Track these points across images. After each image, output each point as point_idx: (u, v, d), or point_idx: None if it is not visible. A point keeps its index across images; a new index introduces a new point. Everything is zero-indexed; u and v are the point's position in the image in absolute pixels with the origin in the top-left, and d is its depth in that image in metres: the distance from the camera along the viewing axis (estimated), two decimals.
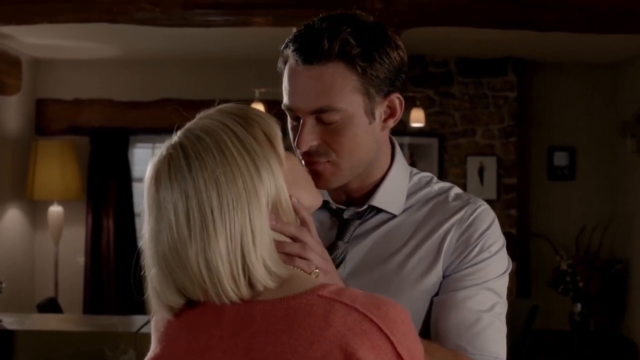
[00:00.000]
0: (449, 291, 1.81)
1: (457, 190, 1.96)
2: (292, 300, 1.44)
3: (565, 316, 7.73)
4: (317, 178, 1.76)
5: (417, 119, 7.01)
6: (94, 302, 8.09)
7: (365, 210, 1.89)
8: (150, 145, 8.49)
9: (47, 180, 7.58)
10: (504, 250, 1.88)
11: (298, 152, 1.76)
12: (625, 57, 7.71)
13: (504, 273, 1.86)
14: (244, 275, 1.44)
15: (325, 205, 1.90)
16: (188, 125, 1.54)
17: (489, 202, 8.34)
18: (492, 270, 1.83)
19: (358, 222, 1.89)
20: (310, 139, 1.75)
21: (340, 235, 1.88)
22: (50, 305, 6.35)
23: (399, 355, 1.37)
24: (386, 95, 1.81)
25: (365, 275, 1.85)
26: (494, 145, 8.10)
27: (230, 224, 1.43)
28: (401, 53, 1.83)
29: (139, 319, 4.87)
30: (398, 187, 1.92)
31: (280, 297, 1.45)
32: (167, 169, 1.49)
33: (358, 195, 1.92)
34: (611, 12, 4.46)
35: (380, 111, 1.81)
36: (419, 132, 7.77)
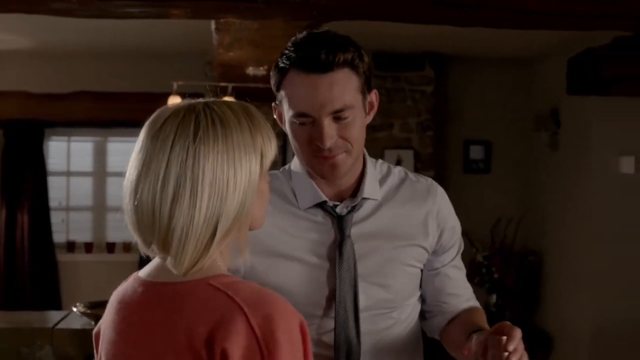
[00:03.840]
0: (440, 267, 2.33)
1: (408, 171, 2.37)
2: (187, 284, 1.54)
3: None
4: (335, 169, 2.09)
5: None
6: (8, 298, 7.95)
7: (358, 202, 2.17)
8: (65, 138, 8.38)
9: None
10: None
11: (308, 148, 2.06)
12: (539, 53, 7.84)
13: None
14: (202, 252, 1.54)
15: (319, 204, 2.15)
16: (211, 101, 1.62)
17: None
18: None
19: (352, 215, 2.16)
20: (331, 135, 2.03)
21: (342, 230, 2.13)
22: None
23: (261, 351, 1.44)
24: (369, 91, 2.18)
25: (373, 259, 2.16)
26: (411, 139, 8.18)
27: (214, 203, 1.52)
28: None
29: (55, 315, 4.81)
30: (374, 176, 2.24)
31: (183, 281, 1.55)
32: (175, 127, 1.55)
33: (347, 189, 2.20)
34: (519, 12, 4.53)
35: (365, 105, 2.16)
36: None
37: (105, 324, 1.68)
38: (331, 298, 2.11)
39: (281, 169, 2.28)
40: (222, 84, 6.43)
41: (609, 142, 7.10)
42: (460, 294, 2.37)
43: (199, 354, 1.47)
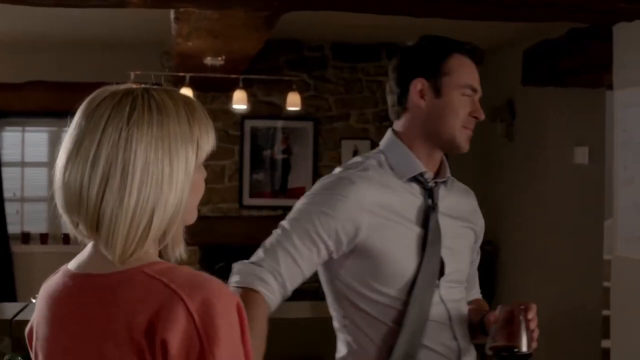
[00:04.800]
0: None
1: None
2: (122, 274, 1.51)
3: None
4: (469, 141, 2.44)
5: (293, 103, 7.04)
6: None
7: (444, 181, 2.47)
8: (20, 128, 8.29)
9: None
10: None
11: (464, 118, 2.42)
12: (495, 44, 7.89)
13: None
14: (137, 241, 1.51)
15: (414, 177, 2.40)
16: (152, 87, 1.58)
17: None
18: None
19: (438, 187, 2.44)
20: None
21: (432, 201, 2.41)
22: None
23: (199, 336, 1.43)
24: None
25: (450, 233, 2.43)
26: (368, 129, 8.21)
27: (147, 190, 1.49)
28: None
29: (13, 307, 4.78)
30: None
31: (116, 271, 1.52)
32: (110, 108, 1.52)
33: (434, 166, 2.48)
34: (475, 3, 4.57)
35: None
36: (294, 115, 7.81)
37: (38, 320, 1.65)
38: (420, 263, 2.34)
39: (366, 154, 2.49)
40: (180, 73, 6.41)
41: (564, 133, 7.18)
42: (476, 284, 2.77)
43: (140, 344, 1.45)
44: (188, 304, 1.44)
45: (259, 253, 2.25)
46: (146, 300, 1.47)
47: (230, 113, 7.60)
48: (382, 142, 2.51)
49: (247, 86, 7.08)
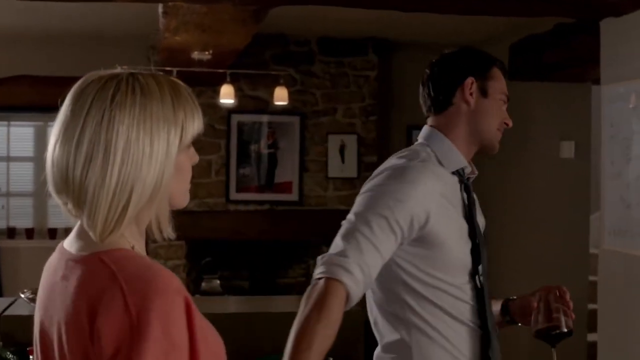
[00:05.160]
0: None
1: None
2: (84, 258, 1.57)
3: None
4: (499, 144, 2.72)
5: (281, 98, 7.04)
6: None
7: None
8: (5, 123, 8.25)
9: None
10: None
11: (500, 123, 2.69)
12: (482, 39, 7.90)
13: None
14: (117, 219, 1.55)
15: (456, 170, 2.57)
16: (138, 72, 1.62)
17: (349, 180, 8.45)
18: None
19: (471, 181, 2.65)
20: None
21: (470, 194, 2.59)
22: None
23: (132, 330, 1.45)
24: None
25: (480, 225, 2.61)
26: (354, 124, 8.21)
27: (127, 169, 1.53)
28: None
29: (1, 302, 4.74)
30: None
31: (84, 255, 1.58)
32: (95, 91, 1.57)
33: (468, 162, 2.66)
34: None
35: None
36: (281, 110, 7.81)
37: (38, 293, 1.71)
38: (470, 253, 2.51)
39: (412, 147, 2.63)
40: (167, 68, 6.40)
41: (550, 128, 7.20)
42: None
43: (85, 329, 1.49)
44: (127, 296, 1.46)
45: (339, 244, 2.29)
46: (92, 286, 1.51)
47: (217, 107, 7.59)
48: (423, 136, 2.66)
49: (233, 81, 7.07)
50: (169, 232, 1.65)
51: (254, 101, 8.01)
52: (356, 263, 2.24)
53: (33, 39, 7.90)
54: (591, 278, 7.27)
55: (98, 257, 1.54)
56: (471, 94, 2.60)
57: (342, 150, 8.09)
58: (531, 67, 6.75)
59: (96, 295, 1.49)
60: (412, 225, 2.36)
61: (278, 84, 7.11)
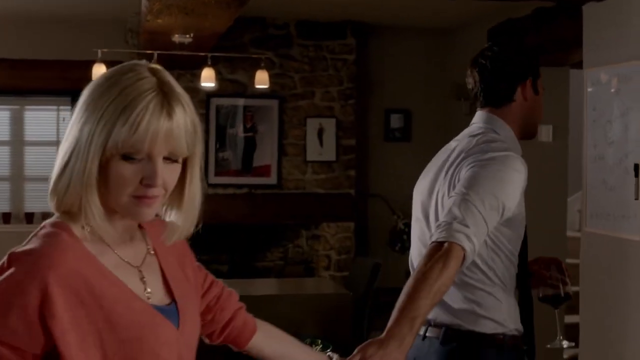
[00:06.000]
0: None
1: None
2: None
3: (402, 274, 7.93)
4: None
5: (262, 81, 7.02)
6: None
7: None
8: None
9: None
10: None
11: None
12: (460, 23, 7.95)
13: None
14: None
15: None
16: (154, 66, 1.68)
17: (327, 163, 8.46)
18: None
19: None
20: None
21: None
22: None
23: None
24: None
25: None
26: (333, 107, 8.22)
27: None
28: None
29: None
30: None
31: None
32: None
33: None
34: None
35: None
36: (259, 94, 7.81)
37: None
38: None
39: (480, 133, 2.91)
40: (148, 51, 6.37)
41: None
42: None
43: None
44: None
45: (457, 214, 2.56)
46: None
47: (196, 91, 7.56)
48: (485, 120, 2.96)
49: (212, 64, 7.06)
50: (98, 225, 1.63)
51: (232, 85, 8.00)
52: (474, 233, 2.53)
53: (11, 23, 7.83)
54: (568, 261, 7.35)
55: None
56: (528, 92, 2.94)
57: (320, 133, 8.11)
58: None
59: None
60: (511, 206, 2.70)
61: (258, 67, 7.09)
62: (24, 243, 1.60)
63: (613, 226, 4.62)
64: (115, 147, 1.55)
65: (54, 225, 1.61)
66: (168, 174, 1.61)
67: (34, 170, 8.12)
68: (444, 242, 2.50)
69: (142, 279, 1.69)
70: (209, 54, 6.69)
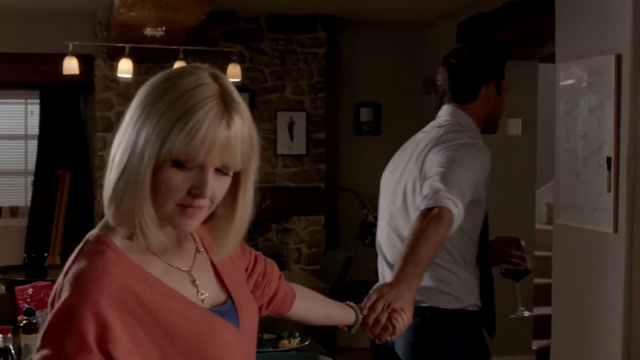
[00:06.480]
0: None
1: None
2: None
3: (372, 267, 7.96)
4: None
5: (234, 74, 7.01)
6: None
7: None
8: None
9: None
10: None
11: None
12: (428, 18, 7.99)
13: None
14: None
15: None
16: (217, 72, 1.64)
17: (298, 157, 8.48)
18: None
19: None
20: None
21: None
22: None
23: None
24: None
25: None
26: (303, 101, 8.23)
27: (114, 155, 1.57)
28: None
29: None
30: None
31: None
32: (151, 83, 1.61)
33: None
34: None
35: None
36: None
37: None
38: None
39: (447, 123, 3.30)
40: (120, 44, 6.34)
41: None
42: None
43: None
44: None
45: (441, 186, 2.84)
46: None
47: None
48: (451, 114, 3.31)
49: (184, 57, 7.03)
50: (150, 242, 1.58)
51: None
52: (458, 200, 2.80)
53: None
54: (537, 253, 7.42)
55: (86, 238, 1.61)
56: (491, 92, 3.31)
57: (290, 127, 8.11)
58: None
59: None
60: (479, 188, 3.06)
61: (229, 60, 7.08)
62: (71, 259, 1.56)
63: (585, 219, 4.66)
64: (169, 153, 1.49)
65: (97, 241, 1.56)
66: (218, 185, 1.55)
67: (2, 164, 8.07)
68: (433, 207, 2.76)
69: (193, 282, 1.65)
70: (181, 47, 6.68)
